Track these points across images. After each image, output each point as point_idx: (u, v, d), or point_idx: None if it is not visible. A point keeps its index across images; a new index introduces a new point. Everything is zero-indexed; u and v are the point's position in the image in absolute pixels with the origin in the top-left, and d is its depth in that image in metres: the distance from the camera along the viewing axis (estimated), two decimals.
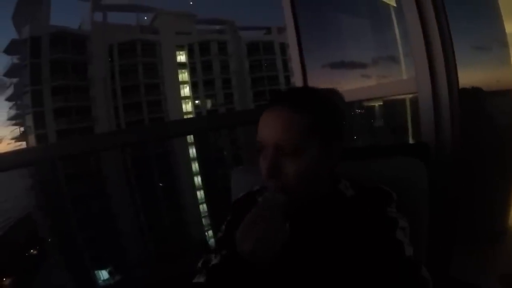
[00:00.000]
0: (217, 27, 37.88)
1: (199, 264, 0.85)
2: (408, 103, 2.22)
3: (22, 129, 29.65)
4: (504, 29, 2.01)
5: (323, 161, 0.80)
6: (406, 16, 1.40)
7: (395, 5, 2.00)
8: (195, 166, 26.93)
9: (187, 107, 34.88)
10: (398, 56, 2.05)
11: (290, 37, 2.22)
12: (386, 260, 0.71)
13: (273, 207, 0.71)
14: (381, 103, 2.87)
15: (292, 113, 0.77)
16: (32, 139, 27.61)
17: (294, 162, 0.76)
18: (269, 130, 0.78)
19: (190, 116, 33.50)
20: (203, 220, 23.85)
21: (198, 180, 26.64)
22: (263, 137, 0.79)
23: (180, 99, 34.32)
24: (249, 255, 0.65)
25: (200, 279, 0.79)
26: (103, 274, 20.14)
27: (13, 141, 30.94)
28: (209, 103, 35.82)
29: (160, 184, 28.36)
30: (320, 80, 2.31)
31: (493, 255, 1.73)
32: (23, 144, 28.96)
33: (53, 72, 27.76)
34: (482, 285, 1.40)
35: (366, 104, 2.83)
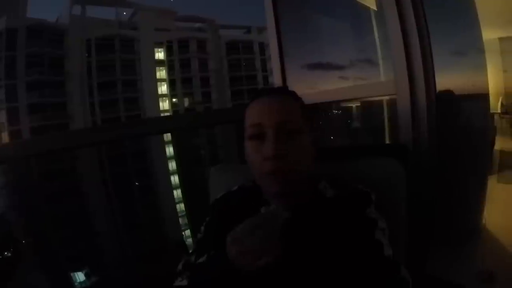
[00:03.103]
0: (197, 25, 37.59)
1: (180, 267, 0.83)
2: (385, 105, 2.26)
3: None
4: (481, 36, 2.08)
5: (311, 148, 0.83)
6: (387, 20, 1.42)
7: (376, 8, 2.03)
8: (171, 165, 26.67)
9: (164, 105, 34.41)
10: (376, 59, 2.07)
11: (271, 37, 2.22)
12: (366, 261, 0.71)
13: (274, 223, 0.66)
14: (358, 104, 2.91)
15: (287, 98, 0.83)
16: (5, 136, 26.68)
17: (298, 140, 0.79)
18: (270, 111, 0.80)
19: (167, 114, 33.06)
20: (180, 219, 23.64)
21: (175, 179, 26.40)
22: (263, 119, 0.79)
23: (157, 96, 33.83)
24: (234, 262, 0.64)
25: (182, 282, 0.77)
26: (80, 276, 19.70)
27: None
28: (186, 102, 35.48)
29: (136, 183, 27.93)
30: (298, 80, 2.32)
31: (469, 252, 1.78)
32: None
33: (29, 66, 26.84)
34: (460, 282, 1.43)
35: (343, 105, 2.86)
